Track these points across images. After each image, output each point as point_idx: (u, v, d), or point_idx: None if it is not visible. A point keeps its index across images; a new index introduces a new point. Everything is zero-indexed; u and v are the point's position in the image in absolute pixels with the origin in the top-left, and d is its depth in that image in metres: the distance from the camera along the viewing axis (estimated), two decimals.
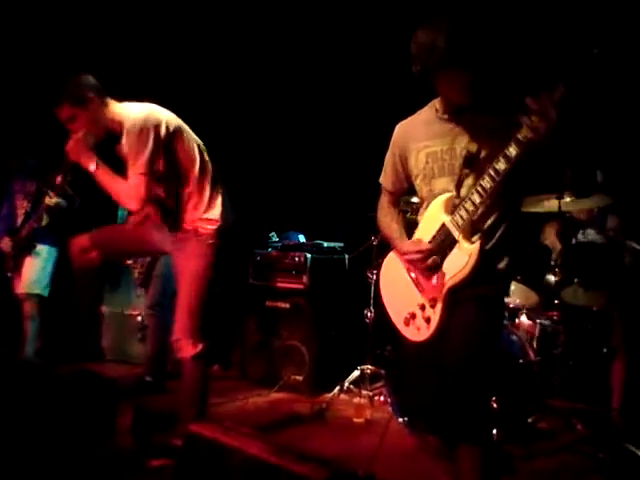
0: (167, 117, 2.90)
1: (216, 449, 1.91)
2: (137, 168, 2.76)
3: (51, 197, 4.36)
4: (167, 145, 2.84)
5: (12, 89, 4.97)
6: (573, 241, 3.65)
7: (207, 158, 3.03)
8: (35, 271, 4.51)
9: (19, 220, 4.55)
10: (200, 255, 2.93)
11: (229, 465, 1.85)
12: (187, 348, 2.90)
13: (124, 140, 2.81)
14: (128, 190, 2.78)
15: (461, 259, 2.12)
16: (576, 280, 3.43)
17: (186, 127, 3.01)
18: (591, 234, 3.73)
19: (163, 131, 2.82)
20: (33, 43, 4.99)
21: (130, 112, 2.86)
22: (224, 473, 1.86)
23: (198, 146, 3.00)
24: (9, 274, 4.54)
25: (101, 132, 2.90)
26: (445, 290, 2.17)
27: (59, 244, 4.63)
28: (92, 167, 2.81)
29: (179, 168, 2.91)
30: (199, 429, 2.02)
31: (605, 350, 3.47)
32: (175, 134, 2.88)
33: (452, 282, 2.15)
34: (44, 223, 4.52)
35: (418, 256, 2.21)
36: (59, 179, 4.09)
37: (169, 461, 2.48)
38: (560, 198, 3.45)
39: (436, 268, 2.19)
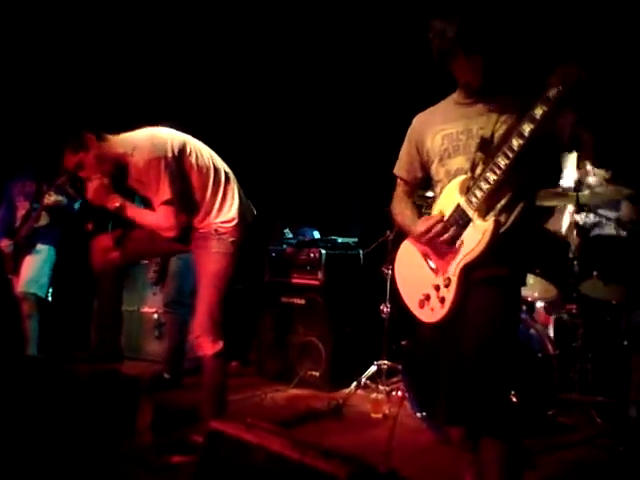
0: (172, 140, 2.92)
1: (239, 446, 1.90)
2: (160, 198, 2.82)
3: (50, 195, 4.37)
4: (177, 166, 2.87)
5: (11, 93, 5.01)
6: (590, 233, 3.62)
7: (218, 164, 3.05)
8: (32, 270, 4.53)
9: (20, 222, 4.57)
10: (221, 253, 2.95)
11: (252, 462, 1.84)
12: (207, 346, 2.92)
13: (133, 173, 2.87)
14: (158, 221, 2.87)
15: (475, 237, 2.11)
16: (595, 273, 3.40)
17: (192, 141, 3.02)
18: (605, 223, 3.70)
19: (170, 154, 2.85)
20: (31, 47, 5.01)
21: (134, 144, 2.89)
22: (247, 470, 1.86)
23: (207, 157, 3.02)
24: (9, 276, 4.57)
25: (111, 169, 2.94)
26: (459, 268, 2.15)
27: (59, 244, 4.67)
28: (118, 207, 2.89)
29: (190, 185, 2.94)
30: (221, 426, 2.02)
31: (625, 343, 3.44)
32: (182, 155, 2.91)
33: (466, 260, 2.14)
34: (44, 222, 4.54)
35: (436, 229, 2.19)
36: (61, 180, 4.12)
37: (190, 458, 2.49)
38: (578, 190, 3.42)
39: (452, 243, 2.18)
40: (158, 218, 2.87)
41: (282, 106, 5.59)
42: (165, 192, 2.82)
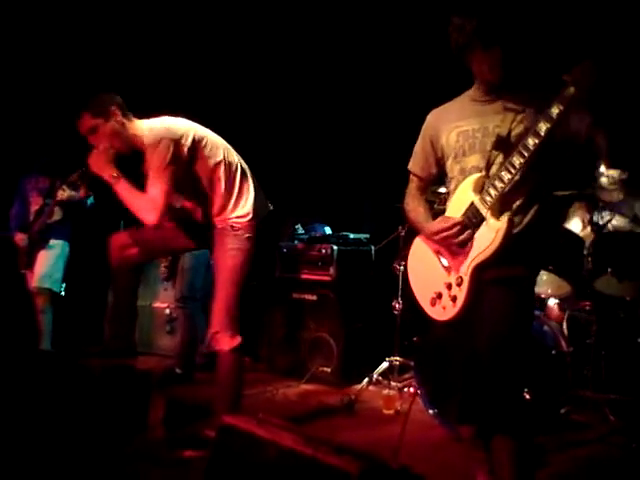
0: (188, 129, 2.90)
1: (251, 441, 1.91)
2: (156, 178, 2.77)
3: (64, 190, 4.39)
4: (190, 157, 2.85)
5: (24, 89, 5.02)
6: (604, 230, 3.58)
7: (234, 159, 3.03)
8: (46, 265, 4.56)
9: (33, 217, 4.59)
10: (238, 249, 2.94)
11: (264, 457, 1.85)
12: (225, 341, 2.92)
13: (147, 155, 2.82)
14: (146, 202, 2.79)
15: (488, 236, 2.10)
16: (609, 270, 3.37)
17: (209, 133, 3.00)
18: (620, 221, 3.66)
19: (183, 143, 2.83)
20: (43, 44, 5.03)
21: (151, 126, 2.88)
22: (259, 465, 1.86)
23: (223, 150, 3.00)
24: (23, 271, 4.60)
25: (122, 147, 2.90)
26: (472, 267, 2.15)
27: (72, 239, 4.69)
28: (113, 179, 2.82)
29: (204, 178, 2.93)
30: (233, 421, 2.02)
31: (639, 340, 3.41)
32: (197, 145, 2.89)
33: (479, 259, 2.13)
34: (57, 218, 4.57)
35: (452, 231, 2.18)
36: (74, 176, 4.14)
37: (202, 452, 2.50)
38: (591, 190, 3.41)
39: (466, 244, 2.17)
40: (147, 198, 2.78)
41: (294, 102, 5.58)
42: (163, 174, 2.76)
